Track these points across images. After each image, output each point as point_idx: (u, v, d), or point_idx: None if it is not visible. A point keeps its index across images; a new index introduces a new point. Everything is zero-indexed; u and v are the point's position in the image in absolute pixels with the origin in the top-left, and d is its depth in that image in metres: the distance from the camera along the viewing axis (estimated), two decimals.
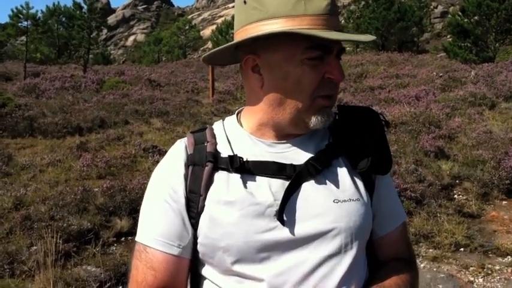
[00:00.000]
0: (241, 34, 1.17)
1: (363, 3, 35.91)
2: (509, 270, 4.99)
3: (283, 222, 1.13)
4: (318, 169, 1.19)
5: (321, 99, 1.17)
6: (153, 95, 15.54)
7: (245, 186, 1.16)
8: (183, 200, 1.20)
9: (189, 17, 78.30)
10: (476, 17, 21.96)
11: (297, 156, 1.21)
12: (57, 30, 30.84)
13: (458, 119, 10.54)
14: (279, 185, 1.16)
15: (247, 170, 1.18)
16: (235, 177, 1.17)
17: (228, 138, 1.25)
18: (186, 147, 1.25)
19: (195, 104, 15.17)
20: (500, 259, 5.25)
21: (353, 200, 1.19)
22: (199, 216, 1.18)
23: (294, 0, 1.10)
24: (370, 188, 1.26)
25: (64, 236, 5.19)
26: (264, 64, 1.17)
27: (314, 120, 1.17)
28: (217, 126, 1.31)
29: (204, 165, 1.20)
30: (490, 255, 5.35)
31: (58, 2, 31.04)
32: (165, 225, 1.20)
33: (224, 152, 1.21)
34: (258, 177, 1.18)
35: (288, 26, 1.10)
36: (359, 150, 1.22)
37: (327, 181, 1.19)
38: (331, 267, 1.14)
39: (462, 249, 5.45)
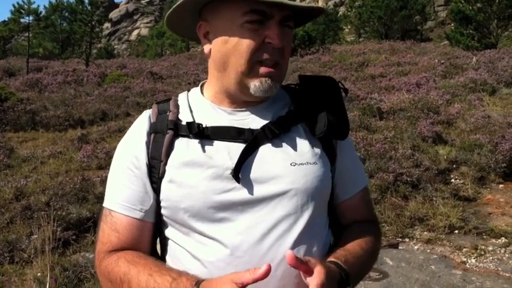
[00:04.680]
0: None
1: None
2: (502, 251, 5.04)
3: (238, 181, 1.18)
4: (276, 133, 1.24)
5: (261, 66, 1.21)
6: (155, 88, 15.59)
7: (204, 150, 1.22)
8: (144, 167, 1.26)
9: None
10: (478, 4, 21.82)
11: (256, 122, 1.26)
12: (60, 26, 30.91)
13: (458, 105, 10.55)
14: (237, 149, 1.21)
15: (206, 135, 1.24)
16: (195, 142, 1.23)
17: (190, 107, 1.31)
18: (149, 117, 1.32)
19: None
20: (493, 240, 5.30)
21: (310, 163, 1.24)
22: (161, 180, 1.24)
23: None
24: (331, 154, 1.32)
25: (63, 225, 5.29)
26: (212, 29, 1.24)
27: (253, 87, 1.22)
28: (181, 96, 1.37)
29: (165, 132, 1.26)
30: (484, 236, 5.40)
31: None
32: (128, 190, 1.27)
33: (185, 120, 1.27)
34: (216, 142, 1.24)
35: None
36: (317, 117, 1.27)
37: (285, 145, 1.25)
38: (287, 226, 1.20)
39: (456, 231, 5.51)
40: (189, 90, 1.39)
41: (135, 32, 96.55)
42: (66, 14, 30.08)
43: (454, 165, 7.31)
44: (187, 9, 1.26)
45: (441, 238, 5.34)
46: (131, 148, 1.30)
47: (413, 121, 9.25)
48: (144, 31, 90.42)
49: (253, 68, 1.21)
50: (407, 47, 23.99)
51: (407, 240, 5.37)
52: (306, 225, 1.22)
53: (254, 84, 1.21)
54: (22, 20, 24.44)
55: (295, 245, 1.20)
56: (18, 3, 24.12)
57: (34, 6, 24.25)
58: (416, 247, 5.19)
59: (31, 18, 24.29)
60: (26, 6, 23.91)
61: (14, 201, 6.03)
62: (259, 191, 1.20)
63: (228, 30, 1.20)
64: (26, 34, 25.64)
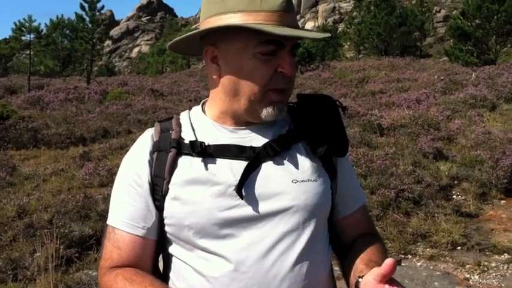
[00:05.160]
0: (203, 26, 1.27)
1: (364, 8, 36.00)
2: (505, 267, 5.04)
3: (242, 197, 1.22)
4: (277, 150, 1.28)
5: (272, 94, 1.25)
6: (156, 105, 15.66)
7: (207, 168, 1.25)
8: (146, 185, 1.29)
9: (193, 27, 78.62)
10: (477, 20, 22.01)
11: (258, 140, 1.30)
12: (61, 43, 31.11)
13: (458, 121, 10.59)
14: (240, 166, 1.25)
15: (209, 153, 1.27)
16: (198, 160, 1.27)
17: (192, 126, 1.34)
18: (152, 136, 1.35)
19: None
20: (496, 256, 5.29)
21: (311, 180, 1.28)
22: (164, 198, 1.27)
23: None
24: (331, 171, 1.35)
25: (66, 242, 5.28)
26: (222, 55, 1.27)
27: (265, 112, 1.26)
28: (183, 115, 1.40)
29: (168, 151, 1.29)
30: (487, 253, 5.39)
31: (62, 15, 31.06)
32: (131, 208, 1.30)
33: (188, 138, 1.31)
34: (219, 160, 1.27)
35: (243, 20, 1.19)
36: (317, 135, 1.31)
37: (286, 162, 1.28)
38: (290, 242, 1.23)
39: (459, 247, 5.50)
40: (190, 109, 1.43)
41: (136, 49, 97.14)
42: (67, 32, 30.28)
43: (456, 181, 7.32)
44: (195, 36, 1.30)
45: (444, 254, 5.34)
46: (134, 166, 1.33)
47: (414, 137, 9.28)
48: (145, 48, 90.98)
49: (265, 96, 1.25)
50: (407, 63, 24.15)
51: (410, 256, 5.36)
52: (308, 241, 1.25)
53: (267, 111, 1.26)
54: (23, 38, 24.59)
55: (299, 260, 1.23)
56: (19, 21, 24.31)
57: (35, 24, 24.41)
58: (419, 264, 5.19)
59: (32, 36, 24.45)
60: (27, 24, 24.08)
61: (17, 219, 6.04)
62: (262, 207, 1.23)
63: (241, 59, 1.23)
64: (28, 52, 25.79)
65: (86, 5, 25.86)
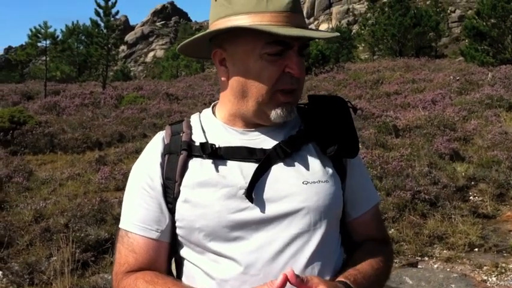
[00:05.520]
0: (211, 29, 1.27)
1: (378, 10, 35.85)
2: None
3: (252, 200, 1.21)
4: (287, 152, 1.27)
5: (280, 95, 1.25)
6: (171, 109, 15.71)
7: (217, 170, 1.25)
8: (159, 187, 1.29)
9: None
10: (492, 20, 21.78)
11: (268, 142, 1.29)
12: (77, 49, 31.40)
13: (475, 122, 10.49)
14: (250, 168, 1.24)
15: (219, 155, 1.26)
16: (208, 162, 1.26)
17: (202, 128, 1.34)
18: (163, 138, 1.35)
19: None
20: None
21: (322, 181, 1.27)
22: (176, 201, 1.27)
23: None
24: (341, 172, 1.34)
25: (82, 246, 5.32)
26: (229, 57, 1.27)
27: (274, 114, 1.26)
28: (194, 118, 1.41)
29: (179, 153, 1.29)
30: (505, 254, 5.33)
31: (77, 21, 31.37)
32: (144, 211, 1.30)
33: (198, 140, 1.30)
34: (229, 162, 1.26)
35: (250, 22, 1.19)
36: (327, 136, 1.30)
37: (297, 164, 1.28)
38: (301, 244, 1.22)
39: (476, 249, 5.45)
40: (200, 112, 1.43)
41: (151, 54, 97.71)
42: (83, 38, 30.60)
43: (472, 182, 7.24)
44: (203, 38, 1.30)
45: (461, 256, 5.28)
46: (146, 169, 1.33)
47: (430, 138, 9.20)
48: (160, 53, 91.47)
49: (273, 97, 1.25)
50: (422, 64, 23.95)
51: (426, 259, 5.32)
52: (319, 243, 1.24)
53: (276, 112, 1.25)
54: (39, 44, 24.81)
55: (309, 262, 1.22)
56: (35, 28, 24.54)
57: (51, 30, 24.62)
58: (436, 266, 5.14)
59: (48, 42, 24.65)
60: (42, 30, 24.29)
61: (34, 223, 6.10)
62: (272, 209, 1.22)
63: (248, 60, 1.23)
64: (44, 58, 26.02)
65: (101, 11, 26.03)
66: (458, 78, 16.96)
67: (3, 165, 8.98)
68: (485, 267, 5.02)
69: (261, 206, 1.22)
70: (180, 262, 1.33)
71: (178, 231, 1.29)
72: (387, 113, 11.87)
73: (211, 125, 1.35)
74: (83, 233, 5.58)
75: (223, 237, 1.22)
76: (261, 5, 1.19)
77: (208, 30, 1.26)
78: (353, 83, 19.59)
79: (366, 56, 40.74)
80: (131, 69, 72.77)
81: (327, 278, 1.25)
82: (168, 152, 1.31)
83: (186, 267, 1.30)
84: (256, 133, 1.31)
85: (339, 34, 1.39)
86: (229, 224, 1.21)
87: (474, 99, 12.87)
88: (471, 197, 6.89)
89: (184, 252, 1.30)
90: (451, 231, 5.71)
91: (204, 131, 1.33)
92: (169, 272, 1.35)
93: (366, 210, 1.41)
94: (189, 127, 1.36)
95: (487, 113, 11.34)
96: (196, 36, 1.30)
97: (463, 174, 7.40)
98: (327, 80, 21.05)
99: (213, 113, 1.38)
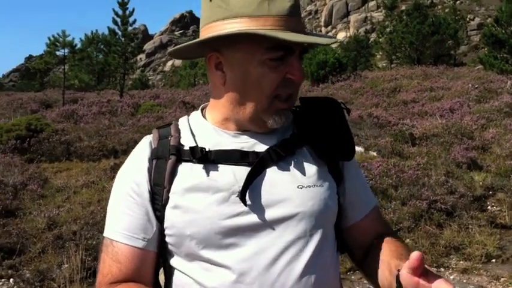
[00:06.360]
0: (206, 31, 1.21)
1: (396, 18, 35.69)
2: None
3: (246, 204, 1.15)
4: (281, 155, 1.22)
5: (279, 102, 1.20)
6: None
7: (208, 175, 1.19)
8: (146, 194, 1.23)
9: None
10: (511, 28, 21.57)
11: (261, 145, 1.24)
12: (96, 57, 31.74)
13: (493, 130, 10.33)
14: (243, 172, 1.19)
15: (210, 159, 1.21)
16: (198, 167, 1.21)
17: (192, 131, 1.29)
18: (150, 143, 1.29)
19: None
20: None
21: (317, 186, 1.22)
22: (164, 208, 1.21)
23: (258, 0, 1.13)
24: (337, 176, 1.29)
25: (94, 254, 5.30)
26: (226, 62, 1.21)
27: (272, 121, 1.21)
28: (182, 121, 1.35)
29: (168, 158, 1.23)
30: None
31: (96, 30, 31.74)
32: (129, 218, 1.23)
33: (188, 144, 1.25)
34: (221, 166, 1.21)
35: (251, 26, 1.13)
36: (322, 139, 1.25)
37: (291, 167, 1.22)
38: (297, 251, 1.17)
39: (494, 260, 5.33)
40: (189, 115, 1.37)
41: (169, 63, 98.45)
42: (102, 46, 30.91)
43: (490, 192, 7.12)
44: (197, 42, 1.24)
45: (478, 267, 5.17)
46: (131, 175, 1.26)
47: (447, 147, 9.08)
48: (178, 62, 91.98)
49: (271, 105, 1.20)
50: (440, 72, 23.72)
51: (442, 269, 5.21)
52: (315, 249, 1.19)
53: (273, 119, 1.21)
54: (58, 53, 25.10)
55: (306, 270, 1.17)
56: (53, 36, 24.84)
57: (69, 38, 24.90)
58: (452, 277, 5.02)
59: (66, 50, 24.94)
60: (61, 39, 24.58)
61: (47, 231, 6.10)
62: (267, 214, 1.17)
63: (248, 66, 1.18)
64: (63, 67, 26.33)
65: (118, 19, 26.30)
66: (476, 86, 16.77)
67: (19, 172, 9.02)
68: (502, 279, 4.90)
69: (256, 210, 1.17)
70: (169, 272, 1.27)
71: (168, 239, 1.22)
72: (404, 121, 11.75)
73: (201, 128, 1.29)
74: (95, 241, 5.56)
75: (216, 244, 1.16)
76: (263, 8, 1.13)
77: (210, 35, 1.18)
78: (370, 91, 19.45)
79: (384, 64, 40.53)
80: (150, 78, 73.45)
81: (323, 285, 1.20)
82: (156, 156, 1.25)
83: (176, 277, 1.24)
84: (249, 136, 1.26)
85: (337, 40, 1.33)
86: (222, 231, 1.16)
87: (493, 107, 12.71)
88: (489, 207, 6.76)
89: (174, 261, 1.24)
90: (467, 241, 5.60)
91: (193, 135, 1.28)
92: (156, 284, 1.29)
93: (367, 213, 1.36)
94: (178, 130, 1.30)
95: (506, 122, 11.18)
96: (195, 41, 1.24)
97: (481, 183, 7.28)
98: (343, 88, 20.94)
99: (203, 115, 1.33)
